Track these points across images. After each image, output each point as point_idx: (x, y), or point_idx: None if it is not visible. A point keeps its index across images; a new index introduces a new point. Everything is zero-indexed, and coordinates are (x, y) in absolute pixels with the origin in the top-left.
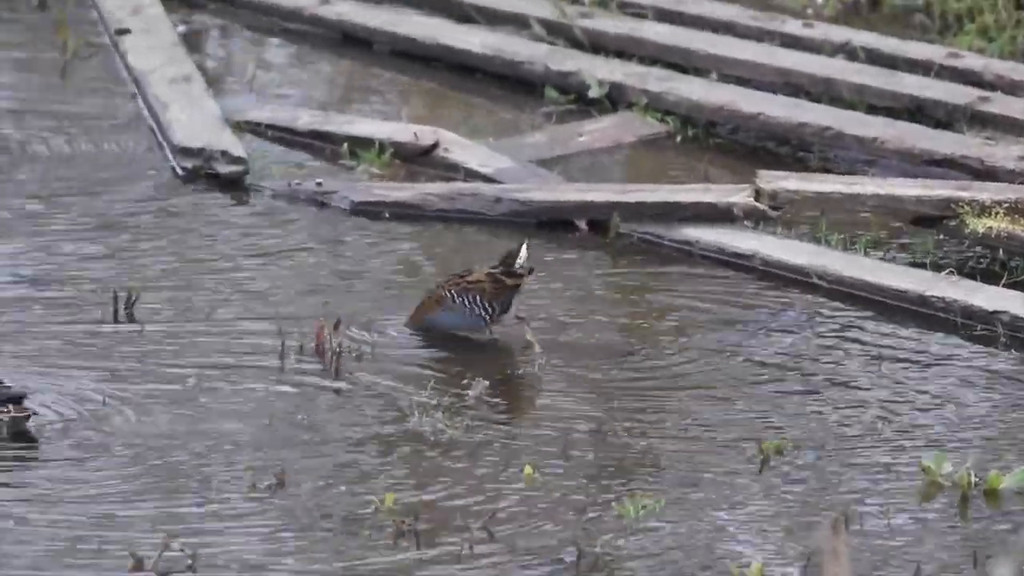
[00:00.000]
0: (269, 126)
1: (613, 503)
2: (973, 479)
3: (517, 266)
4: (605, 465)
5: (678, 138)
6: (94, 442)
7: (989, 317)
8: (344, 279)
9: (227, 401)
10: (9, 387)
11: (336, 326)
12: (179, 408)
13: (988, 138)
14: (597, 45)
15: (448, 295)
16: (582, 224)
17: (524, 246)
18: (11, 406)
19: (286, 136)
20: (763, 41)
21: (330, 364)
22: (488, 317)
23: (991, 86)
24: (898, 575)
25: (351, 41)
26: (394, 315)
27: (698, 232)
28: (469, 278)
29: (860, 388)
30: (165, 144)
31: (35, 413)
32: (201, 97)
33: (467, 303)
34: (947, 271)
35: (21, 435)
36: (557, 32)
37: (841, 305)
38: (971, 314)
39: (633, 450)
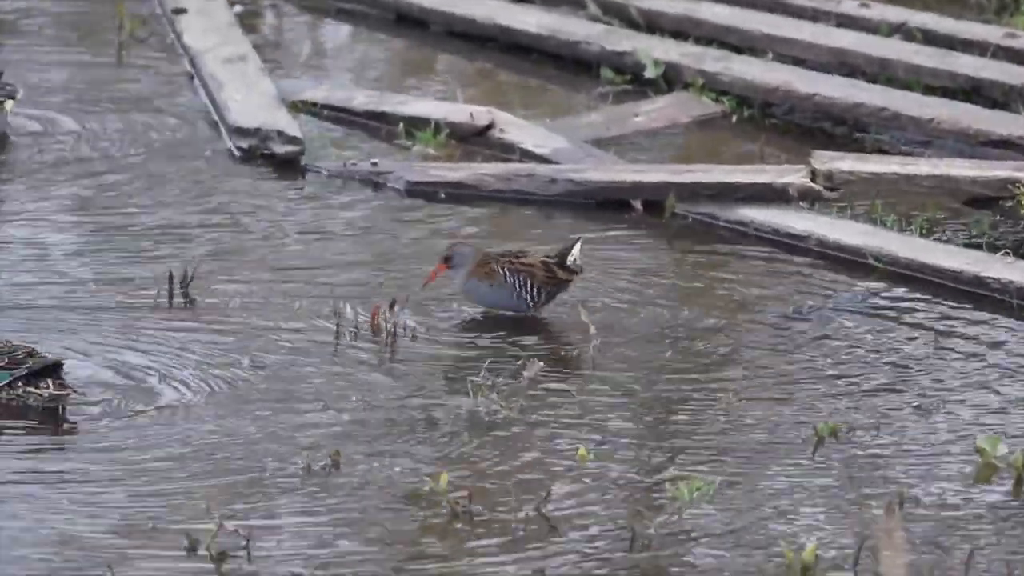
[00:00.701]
0: (325, 106)
1: (667, 484)
2: None
3: (570, 262)
4: (659, 446)
5: (734, 118)
6: (148, 422)
7: None
8: (400, 259)
9: (281, 381)
10: (44, 356)
11: (391, 306)
12: (233, 388)
13: None
14: (653, 25)
15: (501, 272)
16: (637, 204)
17: (579, 244)
18: (51, 382)
19: (342, 116)
20: (819, 21)
21: (385, 344)
22: (532, 303)
23: None
24: (953, 556)
25: (406, 21)
26: (451, 297)
27: (753, 212)
28: (524, 260)
29: (915, 369)
30: (221, 124)
31: (75, 392)
32: (257, 77)
33: (517, 284)
34: (1003, 252)
35: (65, 413)
36: (613, 12)
37: (896, 286)
38: None
39: (687, 431)
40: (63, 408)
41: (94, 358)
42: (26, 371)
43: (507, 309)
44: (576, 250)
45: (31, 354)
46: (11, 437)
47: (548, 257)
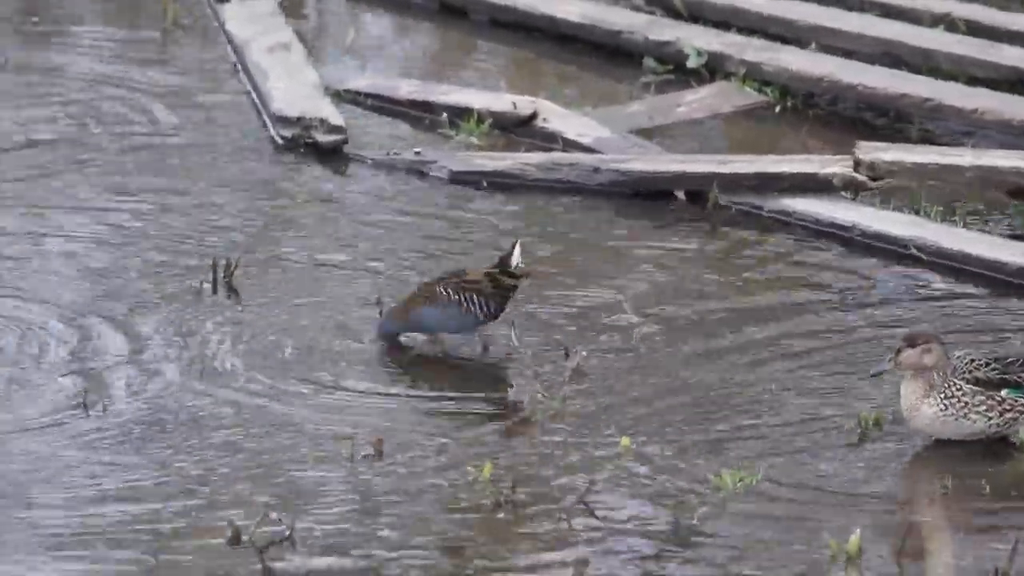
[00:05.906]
0: (368, 95)
1: (710, 475)
2: None
3: (514, 267)
4: (702, 437)
5: (777, 108)
6: (193, 416)
7: None
8: (443, 248)
9: (324, 371)
10: None
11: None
12: (275, 378)
13: None
14: (696, 15)
15: (444, 293)
16: (680, 194)
17: (517, 246)
18: None
19: (385, 105)
20: (864, 11)
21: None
22: (483, 318)
23: None
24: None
25: (449, 10)
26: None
27: (796, 203)
28: (467, 278)
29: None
30: (264, 113)
31: None
32: (300, 66)
33: (463, 301)
34: None
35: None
36: (656, 2)
37: (940, 276)
38: None
39: (730, 422)
40: None
41: (136, 347)
42: None
43: (454, 331)
44: (517, 253)
45: None
46: None
47: (492, 268)
